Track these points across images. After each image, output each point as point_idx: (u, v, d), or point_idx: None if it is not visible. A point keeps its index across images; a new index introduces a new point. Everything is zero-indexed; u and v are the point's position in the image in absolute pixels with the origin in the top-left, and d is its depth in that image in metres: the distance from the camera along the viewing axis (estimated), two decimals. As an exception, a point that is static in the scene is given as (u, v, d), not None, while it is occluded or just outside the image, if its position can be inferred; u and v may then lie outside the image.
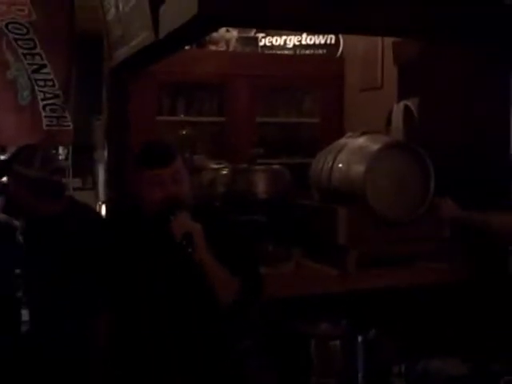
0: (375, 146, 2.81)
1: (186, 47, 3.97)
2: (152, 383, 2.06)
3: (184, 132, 4.57)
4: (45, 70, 6.04)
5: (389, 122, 3.39)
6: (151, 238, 2.05)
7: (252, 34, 4.61)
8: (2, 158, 6.50)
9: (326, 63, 4.54)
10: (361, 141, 2.92)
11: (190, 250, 1.89)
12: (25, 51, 5.97)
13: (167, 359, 2.02)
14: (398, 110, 3.35)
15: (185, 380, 2.03)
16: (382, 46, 3.92)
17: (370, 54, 4.04)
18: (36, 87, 6.04)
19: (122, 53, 3.88)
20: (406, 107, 3.31)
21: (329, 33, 4.49)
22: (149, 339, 2.04)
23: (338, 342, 2.58)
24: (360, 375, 2.59)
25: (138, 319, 2.05)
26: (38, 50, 6.01)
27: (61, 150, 6.77)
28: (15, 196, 2.65)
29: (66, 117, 6.11)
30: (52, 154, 3.53)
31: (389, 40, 3.81)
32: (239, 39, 4.52)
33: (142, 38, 3.37)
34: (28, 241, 2.69)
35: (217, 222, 2.14)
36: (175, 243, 1.92)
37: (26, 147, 2.75)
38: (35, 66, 6.01)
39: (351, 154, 2.86)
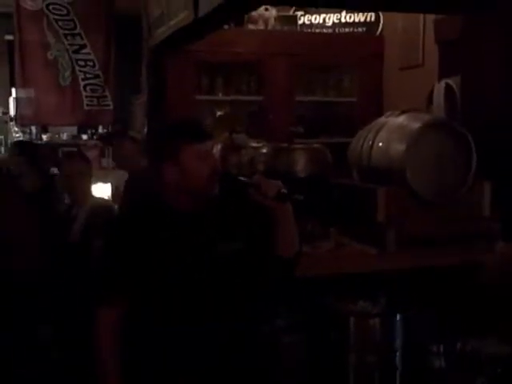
0: (416, 125, 2.78)
1: (225, 26, 3.98)
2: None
3: (222, 112, 4.59)
4: (85, 51, 6.14)
5: (430, 100, 3.35)
6: (173, 216, 1.99)
7: (291, 12, 4.59)
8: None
9: (365, 41, 4.51)
10: (401, 119, 2.89)
11: (286, 202, 2.00)
12: (65, 32, 6.07)
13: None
14: (439, 88, 3.30)
15: (208, 362, 1.98)
16: (424, 23, 3.88)
17: (411, 31, 3.99)
18: (77, 67, 6.14)
19: (161, 32, 3.92)
20: (448, 85, 3.27)
21: (369, 10, 4.44)
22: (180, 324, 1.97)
23: (376, 320, 2.59)
24: (398, 353, 2.59)
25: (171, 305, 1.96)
26: (78, 31, 6.10)
27: (100, 129, 6.87)
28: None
29: (106, 96, 6.21)
30: None
31: (430, 18, 3.76)
32: (278, 18, 4.51)
33: (181, 17, 3.40)
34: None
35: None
36: (258, 207, 1.97)
37: None
38: (76, 47, 6.11)
39: (391, 133, 2.84)
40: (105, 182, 6.94)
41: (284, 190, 1.97)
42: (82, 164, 3.55)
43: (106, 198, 6.81)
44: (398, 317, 2.58)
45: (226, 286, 1.99)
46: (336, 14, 4.57)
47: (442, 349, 2.54)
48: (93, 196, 3.67)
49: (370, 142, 2.92)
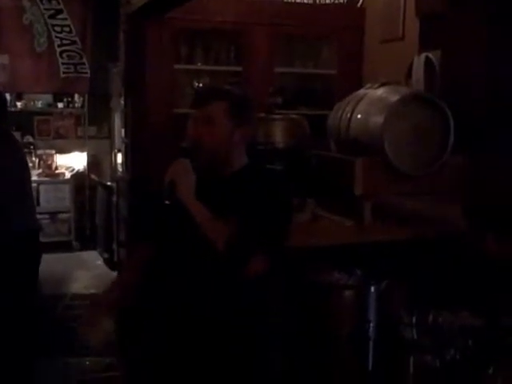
0: (395, 98, 2.77)
1: (205, -7, 3.92)
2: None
3: (201, 82, 4.54)
4: (61, 16, 6.01)
5: (409, 73, 3.34)
6: None
7: (272, -19, 4.53)
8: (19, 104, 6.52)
9: (346, 13, 4.47)
10: (380, 92, 2.88)
11: (166, 201, 1.86)
12: (41, -5, 5.92)
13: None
14: (419, 61, 3.29)
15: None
16: (405, -4, 3.85)
17: (392, 4, 3.97)
18: (53, 33, 6.02)
19: (139, -2, 3.83)
20: (428, 59, 3.26)
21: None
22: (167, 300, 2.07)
23: (351, 292, 2.61)
24: (372, 325, 2.62)
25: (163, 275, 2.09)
26: (54, -5, 5.96)
27: (76, 97, 6.76)
28: None
29: (83, 63, 6.10)
30: None
31: (411, -10, 3.74)
32: (259, -14, 4.44)
33: (160, -18, 3.32)
34: None
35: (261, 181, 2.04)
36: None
37: None
38: (51, 11, 5.98)
39: (370, 105, 2.83)
40: (81, 151, 6.88)
41: (171, 187, 1.85)
42: None
43: (83, 167, 6.79)
44: (372, 288, 2.61)
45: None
46: (317, -15, 4.52)
47: (414, 320, 2.58)
48: None
49: (349, 114, 2.91)
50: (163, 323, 2.10)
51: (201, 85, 4.47)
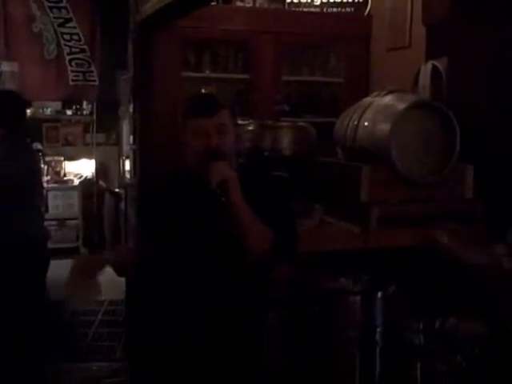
0: (401, 105, 2.79)
1: (213, 3, 3.95)
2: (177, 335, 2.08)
3: (208, 89, 4.57)
4: (70, 24, 6.07)
5: (416, 81, 3.36)
6: (192, 189, 2.04)
7: (279, -10, 4.57)
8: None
9: (353, 22, 4.49)
10: (387, 99, 2.90)
11: (223, 198, 1.86)
12: (51, 4, 5.99)
13: (197, 310, 2.03)
14: (425, 69, 3.31)
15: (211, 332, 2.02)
16: (411, 4, 3.87)
17: (399, 12, 3.99)
18: (62, 41, 6.07)
19: (148, 7, 3.87)
20: (434, 67, 3.28)
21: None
22: (180, 291, 2.06)
23: (357, 298, 2.62)
24: (378, 330, 2.63)
25: (173, 271, 2.06)
26: (64, 4, 6.03)
27: (85, 105, 6.81)
28: None
29: (92, 71, 6.15)
30: None
31: (418, -1, 3.76)
32: (266, -5, 4.49)
33: (169, -9, 3.35)
34: None
35: (259, 177, 2.14)
36: (210, 191, 1.88)
37: None
38: (61, 20, 6.04)
39: (377, 113, 2.85)
40: (89, 158, 6.92)
41: (224, 187, 1.85)
42: None
43: (91, 174, 6.83)
44: (379, 294, 2.62)
45: (224, 260, 1.99)
46: (324, -7, 4.55)
47: (421, 326, 2.59)
48: None
49: (356, 122, 2.93)
50: (168, 321, 2.09)
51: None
